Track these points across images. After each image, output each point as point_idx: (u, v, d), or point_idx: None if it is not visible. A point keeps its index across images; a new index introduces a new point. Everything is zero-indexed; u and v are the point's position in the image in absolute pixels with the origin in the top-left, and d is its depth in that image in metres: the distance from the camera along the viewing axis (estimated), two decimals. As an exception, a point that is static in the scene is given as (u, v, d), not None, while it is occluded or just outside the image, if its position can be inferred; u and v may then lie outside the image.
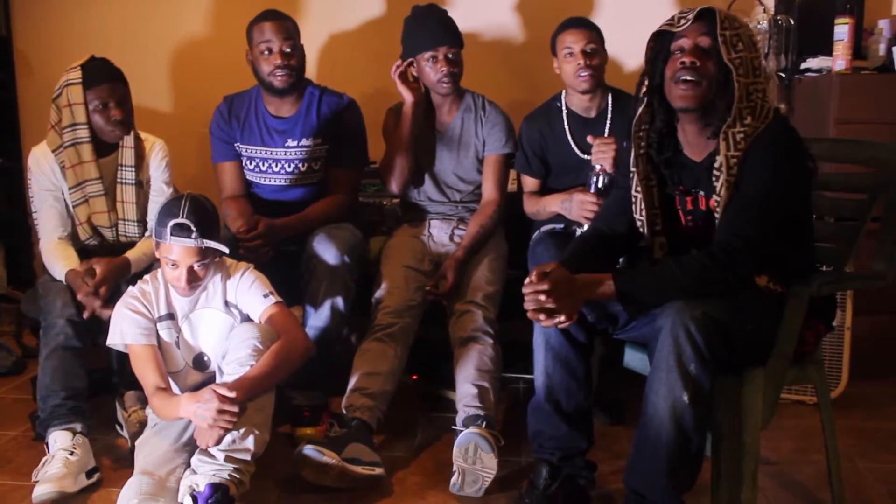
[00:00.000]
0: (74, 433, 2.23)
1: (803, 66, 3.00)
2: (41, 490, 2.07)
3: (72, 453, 2.17)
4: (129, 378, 2.34)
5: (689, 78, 1.76)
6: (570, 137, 2.67)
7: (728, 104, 1.75)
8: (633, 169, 1.95)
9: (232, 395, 1.95)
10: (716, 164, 1.79)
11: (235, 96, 2.80)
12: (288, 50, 2.63)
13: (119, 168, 2.51)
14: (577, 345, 1.97)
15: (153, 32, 3.43)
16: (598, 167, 2.44)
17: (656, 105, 1.88)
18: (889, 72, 2.89)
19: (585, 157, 2.61)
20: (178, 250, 2.06)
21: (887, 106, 2.79)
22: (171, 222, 2.04)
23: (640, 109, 1.91)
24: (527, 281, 1.81)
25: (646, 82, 1.89)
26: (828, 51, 2.90)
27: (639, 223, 1.97)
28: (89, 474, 2.20)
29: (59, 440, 2.21)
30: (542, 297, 1.76)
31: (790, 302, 1.81)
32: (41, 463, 2.17)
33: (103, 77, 2.41)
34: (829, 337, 2.55)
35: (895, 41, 2.97)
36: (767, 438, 2.23)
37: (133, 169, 2.50)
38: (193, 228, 2.03)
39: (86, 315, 2.30)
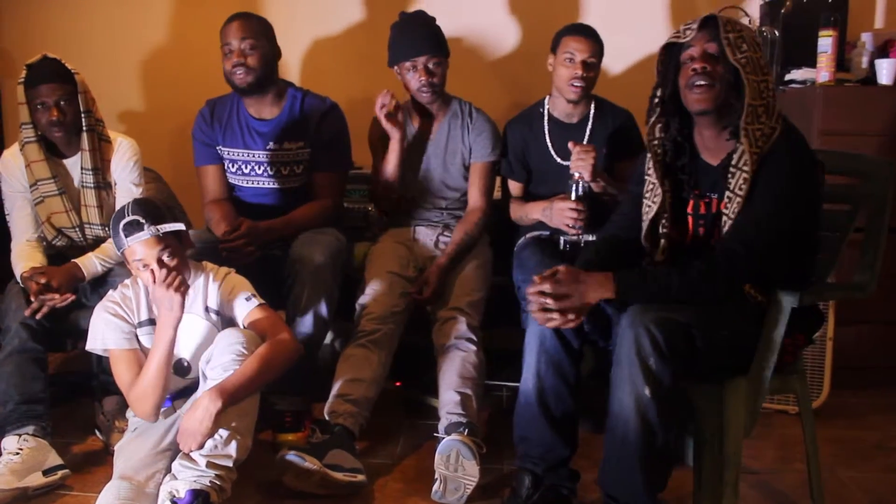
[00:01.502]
0: (20, 436, 2.21)
1: (788, 77, 3.02)
2: None
3: (17, 454, 2.16)
4: (108, 382, 2.33)
5: (702, 82, 1.82)
6: (549, 142, 2.69)
7: (742, 103, 1.79)
8: (647, 176, 1.99)
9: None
10: (733, 162, 1.82)
11: (218, 100, 2.78)
12: (245, 48, 2.59)
13: (81, 172, 2.47)
14: (570, 351, 1.98)
15: (137, 34, 3.42)
16: (576, 174, 2.45)
17: (670, 114, 1.94)
18: (872, 84, 2.93)
19: (564, 163, 2.63)
20: (139, 249, 2.02)
21: (870, 118, 2.82)
22: (121, 225, 2.02)
23: (653, 119, 1.96)
24: (532, 283, 1.83)
25: (658, 93, 1.95)
26: (812, 63, 2.92)
27: (644, 226, 1.99)
28: (49, 472, 2.18)
29: (8, 445, 2.20)
30: (548, 301, 1.79)
31: (771, 312, 1.82)
32: None
33: (43, 77, 2.36)
34: (811, 347, 2.57)
35: (878, 54, 3.00)
36: (749, 447, 2.24)
37: (92, 172, 2.45)
38: (143, 220, 2.00)
39: (28, 312, 2.27)
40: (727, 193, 1.83)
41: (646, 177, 2.00)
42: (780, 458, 2.43)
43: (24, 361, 2.28)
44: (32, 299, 2.29)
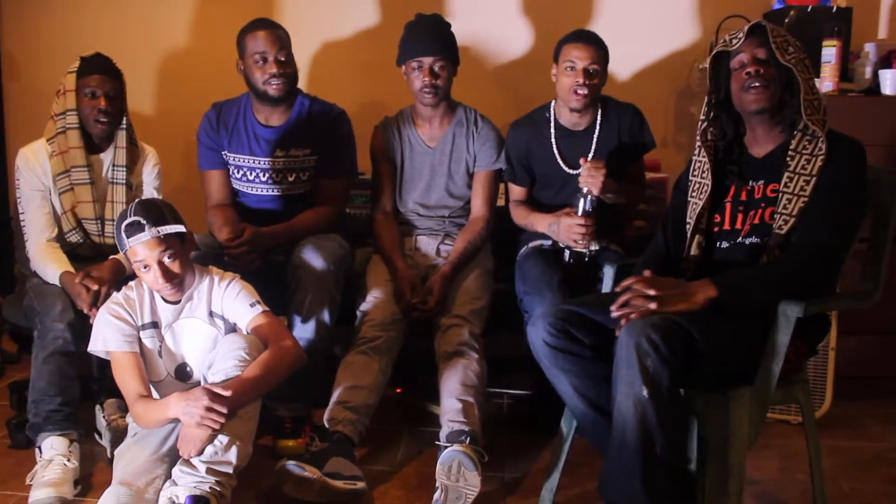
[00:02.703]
0: (71, 441, 2.22)
1: (791, 86, 3.02)
2: (40, 494, 2.06)
3: (69, 460, 2.17)
4: (109, 385, 2.32)
5: (756, 84, 1.93)
6: (555, 149, 2.65)
7: (796, 100, 1.91)
8: (692, 177, 2.09)
9: (227, 393, 1.94)
10: (792, 146, 1.92)
11: (224, 103, 2.77)
12: (283, 59, 2.62)
13: (111, 167, 2.52)
14: (586, 353, 1.95)
15: (142, 38, 3.41)
16: (585, 189, 2.44)
17: (724, 118, 2.05)
18: (875, 94, 2.92)
19: (570, 171, 2.61)
20: (140, 250, 2.04)
21: (873, 128, 2.81)
22: (123, 225, 2.03)
23: (705, 124, 2.06)
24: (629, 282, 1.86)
25: (712, 99, 2.05)
26: (815, 73, 2.92)
27: (689, 223, 2.07)
28: (75, 484, 2.18)
29: (56, 445, 2.20)
30: (650, 290, 1.81)
31: (778, 321, 1.82)
32: (36, 467, 2.16)
33: (97, 68, 2.46)
34: (813, 357, 2.55)
35: (881, 64, 3.00)
36: (752, 457, 2.23)
37: (125, 169, 2.52)
38: (144, 222, 2.02)
39: (87, 309, 2.28)
40: (787, 174, 1.91)
41: (692, 177, 2.09)
42: (782, 469, 2.42)
43: (65, 364, 2.28)
44: (79, 304, 2.29)
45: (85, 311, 2.27)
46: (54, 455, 2.17)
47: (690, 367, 1.79)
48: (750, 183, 2.01)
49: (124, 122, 2.52)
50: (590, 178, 2.42)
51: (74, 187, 2.49)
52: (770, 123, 1.98)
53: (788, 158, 1.91)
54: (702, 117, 2.07)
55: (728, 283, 1.84)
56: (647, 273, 1.89)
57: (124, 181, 2.52)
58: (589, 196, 2.43)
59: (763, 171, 1.98)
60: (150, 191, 2.59)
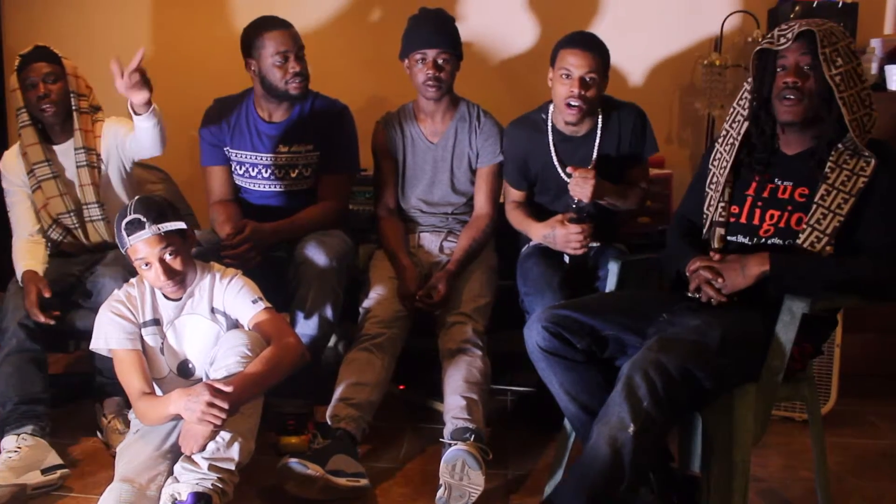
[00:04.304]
0: (19, 435, 2.22)
1: (796, 82, 3.01)
2: None
3: (16, 451, 2.17)
4: (111, 382, 2.32)
5: (791, 96, 1.88)
6: (554, 156, 2.56)
7: (836, 117, 1.85)
8: (711, 167, 2.09)
9: (228, 389, 1.94)
10: (832, 158, 1.87)
11: (226, 99, 2.76)
12: (301, 57, 2.62)
13: (75, 151, 2.52)
14: (579, 357, 1.94)
15: (145, 33, 3.41)
16: (576, 199, 2.41)
17: (763, 115, 1.98)
18: (881, 90, 2.91)
19: (569, 179, 2.52)
20: (141, 247, 2.03)
21: (879, 124, 2.78)
22: (123, 223, 2.03)
23: (742, 120, 2.02)
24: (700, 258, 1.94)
25: (751, 95, 2.00)
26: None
27: (705, 216, 2.07)
28: (48, 471, 2.17)
29: (7, 444, 2.21)
30: (719, 280, 1.89)
31: (782, 318, 1.81)
32: None
33: (32, 59, 2.46)
34: (818, 356, 2.55)
35: (887, 60, 2.99)
36: (756, 455, 2.21)
37: (84, 151, 2.50)
38: (144, 219, 2.01)
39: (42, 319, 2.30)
40: (824, 186, 1.87)
41: (710, 167, 2.08)
42: (787, 466, 2.41)
43: (22, 362, 2.29)
44: (27, 305, 2.31)
45: (29, 313, 2.30)
46: (3, 453, 2.19)
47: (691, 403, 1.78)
48: (776, 181, 1.97)
49: (74, 104, 2.48)
50: (577, 188, 2.39)
51: (41, 184, 2.49)
52: (801, 134, 1.95)
53: (828, 170, 1.87)
54: (739, 111, 2.03)
55: (783, 260, 1.85)
56: (714, 258, 1.91)
57: (86, 163, 2.50)
58: (580, 203, 2.41)
59: (793, 173, 1.95)
60: (124, 129, 2.51)
